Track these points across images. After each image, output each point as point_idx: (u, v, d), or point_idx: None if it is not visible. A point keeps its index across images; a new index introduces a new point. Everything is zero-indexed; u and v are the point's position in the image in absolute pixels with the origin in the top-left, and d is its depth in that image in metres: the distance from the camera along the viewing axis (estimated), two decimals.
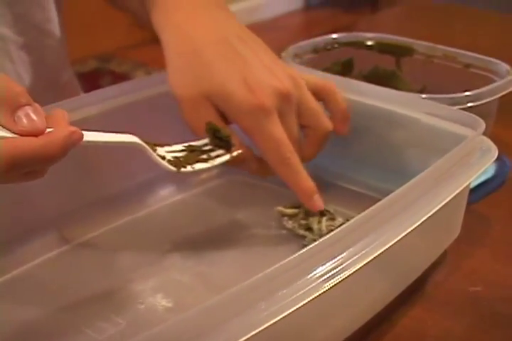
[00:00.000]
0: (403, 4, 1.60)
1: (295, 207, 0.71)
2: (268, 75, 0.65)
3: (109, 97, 0.69)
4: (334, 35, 0.90)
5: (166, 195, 0.76)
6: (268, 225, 0.71)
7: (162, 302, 0.60)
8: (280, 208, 0.71)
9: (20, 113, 0.47)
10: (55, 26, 0.84)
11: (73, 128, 0.48)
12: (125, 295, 0.61)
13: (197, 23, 0.69)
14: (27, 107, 0.47)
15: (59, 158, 0.47)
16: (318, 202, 0.67)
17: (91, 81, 2.70)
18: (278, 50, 0.71)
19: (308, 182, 0.66)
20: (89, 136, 0.52)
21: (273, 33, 3.70)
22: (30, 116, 0.47)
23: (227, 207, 0.74)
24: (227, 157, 0.65)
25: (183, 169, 0.62)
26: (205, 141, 0.66)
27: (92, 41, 2.89)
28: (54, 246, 0.67)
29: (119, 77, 2.92)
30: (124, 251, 0.67)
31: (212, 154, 0.65)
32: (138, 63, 2.94)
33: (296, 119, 0.66)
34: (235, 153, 0.66)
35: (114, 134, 0.56)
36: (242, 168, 0.70)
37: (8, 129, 0.46)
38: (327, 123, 0.68)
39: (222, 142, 0.66)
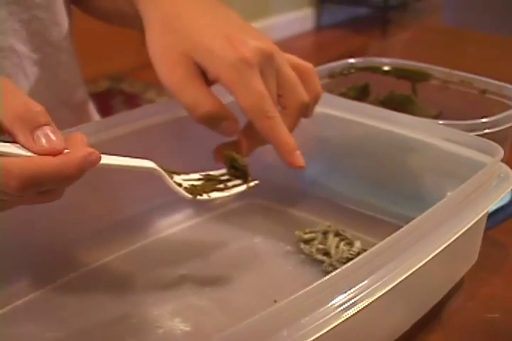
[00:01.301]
0: (413, 26, 1.61)
1: (312, 232, 0.71)
2: (251, 36, 0.64)
3: (124, 122, 0.69)
4: (350, 60, 0.90)
5: (183, 219, 0.76)
6: (286, 250, 0.71)
7: (180, 326, 0.60)
8: (298, 232, 0.71)
9: (39, 132, 0.47)
10: (70, 43, 0.85)
11: (91, 150, 0.48)
12: (143, 319, 0.61)
13: (180, 3, 0.68)
14: (46, 127, 0.47)
15: (75, 178, 0.47)
16: (299, 158, 0.65)
17: (103, 101, 2.71)
18: None
19: (289, 138, 0.64)
20: (106, 159, 0.52)
21: None
22: (49, 136, 0.47)
23: (245, 231, 0.74)
24: (243, 187, 0.66)
25: (199, 197, 0.62)
26: (223, 170, 0.66)
27: (103, 62, 2.90)
28: (70, 269, 0.67)
29: (130, 98, 2.94)
30: (141, 274, 0.68)
31: (229, 184, 0.65)
32: (149, 83, 2.95)
33: (275, 81, 0.64)
34: (251, 184, 0.66)
35: (131, 159, 0.56)
36: (220, 130, 0.65)
37: (26, 148, 0.47)
38: (304, 95, 0.66)
39: (238, 172, 0.66)
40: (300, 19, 4.04)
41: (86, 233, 0.69)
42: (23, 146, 0.47)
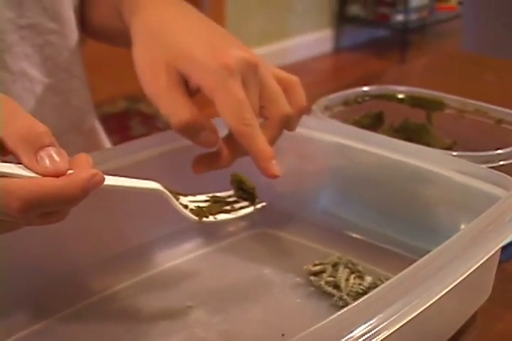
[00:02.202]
0: (432, 50, 1.60)
1: (322, 264, 0.70)
2: (234, 46, 0.64)
3: (134, 150, 0.69)
4: (365, 88, 0.90)
5: (192, 249, 0.75)
6: (295, 281, 0.70)
7: None
8: (306, 267, 0.70)
9: (43, 153, 0.47)
10: (81, 69, 0.85)
11: (95, 171, 0.47)
12: None
13: (165, 12, 0.69)
14: (50, 148, 0.47)
15: (79, 199, 0.47)
16: (276, 167, 0.63)
17: (120, 121, 2.72)
18: (306, 94, 0.70)
19: (266, 146, 0.62)
20: (110, 180, 0.52)
21: (302, 77, 3.71)
22: (53, 157, 0.47)
23: (254, 262, 0.73)
24: (250, 209, 0.65)
25: (204, 219, 0.62)
26: (230, 192, 0.66)
27: (121, 82, 2.91)
28: (75, 299, 0.66)
29: (147, 118, 2.94)
30: (148, 305, 0.67)
31: (236, 206, 0.65)
32: None
33: (258, 91, 0.64)
34: (258, 206, 0.66)
35: (136, 180, 0.55)
36: (199, 141, 0.64)
37: (30, 169, 0.46)
38: (286, 107, 0.65)
39: (246, 194, 0.66)
40: (319, 41, 4.05)
41: (92, 262, 0.69)
42: (27, 167, 0.46)
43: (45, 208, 0.47)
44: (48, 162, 0.47)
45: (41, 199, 0.45)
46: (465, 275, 0.54)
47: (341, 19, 4.16)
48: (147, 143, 0.71)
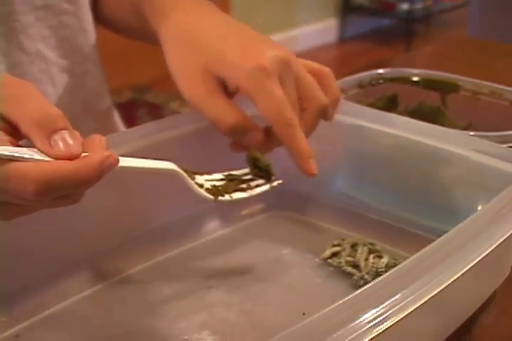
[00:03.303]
0: (438, 38, 1.59)
1: (340, 244, 0.71)
2: (267, 45, 0.64)
3: (149, 133, 0.69)
4: (380, 71, 0.90)
5: (210, 230, 0.75)
6: (314, 262, 0.70)
7: (208, 339, 0.59)
8: (325, 248, 0.70)
9: (57, 137, 0.46)
10: (96, 51, 0.85)
11: (108, 153, 0.47)
12: (170, 332, 0.61)
13: (195, 16, 0.69)
14: (64, 131, 0.47)
15: (93, 181, 0.47)
16: (314, 166, 0.64)
17: (127, 112, 2.73)
18: None
19: (307, 145, 0.63)
20: (125, 162, 0.52)
21: None
22: (67, 140, 0.47)
23: (272, 243, 0.74)
24: (266, 187, 0.66)
25: (220, 198, 0.62)
26: (246, 170, 0.66)
27: (128, 72, 2.91)
28: (97, 281, 0.67)
29: (154, 108, 2.95)
30: (168, 286, 0.67)
31: (252, 184, 0.65)
32: (173, 94, 2.96)
33: (295, 86, 0.64)
34: (274, 183, 0.66)
35: (151, 161, 0.55)
36: (245, 141, 0.65)
37: (43, 153, 0.46)
38: (323, 98, 0.66)
39: (261, 172, 0.66)
40: (324, 30, 4.04)
41: (109, 245, 0.69)
42: (40, 151, 0.46)
43: (60, 191, 0.47)
44: (61, 145, 0.46)
45: (56, 183, 0.45)
46: (484, 255, 0.54)
47: (346, 8, 4.15)
48: (161, 126, 0.71)
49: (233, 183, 0.64)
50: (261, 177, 0.66)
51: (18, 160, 0.45)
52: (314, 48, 3.90)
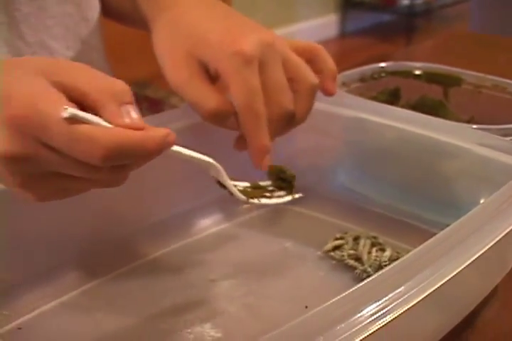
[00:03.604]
0: (439, 34, 1.58)
1: (342, 238, 0.71)
2: (251, 28, 0.64)
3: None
4: (382, 64, 0.90)
5: (212, 224, 0.75)
6: (317, 255, 0.70)
7: (211, 332, 0.59)
8: (328, 241, 0.70)
9: (124, 109, 0.48)
10: (99, 41, 0.85)
11: (169, 130, 0.49)
12: (173, 324, 0.61)
13: (187, 5, 0.69)
14: (130, 105, 0.48)
15: (154, 155, 0.48)
16: (267, 162, 0.63)
17: None
18: None
19: (265, 140, 0.62)
20: (176, 147, 0.53)
21: None
22: (132, 113, 0.48)
23: (275, 237, 0.73)
24: (289, 198, 0.67)
25: (251, 200, 0.64)
26: (269, 182, 0.67)
27: (128, 68, 2.90)
28: (99, 274, 0.67)
29: (154, 103, 2.94)
30: (170, 279, 0.67)
31: (275, 194, 0.67)
32: (173, 90, 2.95)
33: (281, 68, 0.63)
34: (296, 195, 0.67)
35: (194, 152, 0.57)
36: (227, 126, 0.65)
37: (110, 122, 0.47)
38: (312, 76, 0.65)
39: (285, 183, 0.67)
40: (324, 26, 4.04)
41: (114, 237, 0.69)
42: (107, 120, 0.47)
43: (124, 159, 0.47)
44: (128, 117, 0.48)
45: (123, 149, 0.46)
46: (486, 248, 0.53)
47: (346, 4, 4.14)
48: (160, 120, 0.71)
49: (258, 191, 0.66)
50: (283, 189, 0.67)
51: (86, 124, 0.46)
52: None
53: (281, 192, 0.67)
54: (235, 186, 0.63)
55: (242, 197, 0.62)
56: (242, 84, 0.60)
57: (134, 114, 0.48)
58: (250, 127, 0.61)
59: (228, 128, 0.64)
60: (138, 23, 0.77)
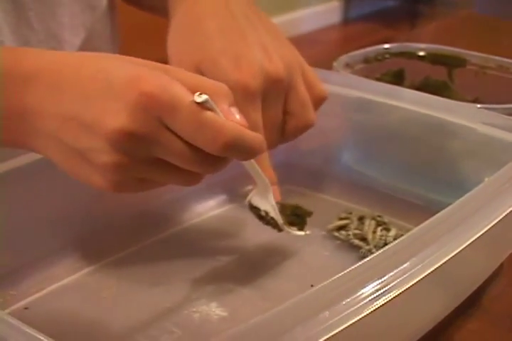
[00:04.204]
0: (443, 18, 1.57)
1: (347, 218, 0.71)
2: (263, 56, 0.62)
3: None
4: (386, 46, 0.89)
5: (216, 205, 0.76)
6: (322, 235, 0.70)
7: (217, 311, 0.60)
8: (332, 221, 0.71)
9: (233, 110, 0.49)
10: (106, 29, 0.85)
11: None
12: (179, 304, 0.61)
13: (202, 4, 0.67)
14: (235, 108, 0.49)
15: (253, 155, 0.50)
16: (275, 193, 0.65)
17: None
18: (317, 64, 0.69)
19: (268, 172, 0.64)
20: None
21: (310, 48, 3.70)
22: (238, 115, 0.49)
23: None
24: (301, 233, 0.67)
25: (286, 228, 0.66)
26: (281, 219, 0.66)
27: (139, 52, 2.90)
28: (105, 255, 0.67)
29: None
30: (177, 259, 0.67)
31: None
32: None
33: (280, 106, 0.64)
34: (307, 232, 0.68)
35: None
36: None
37: None
38: (311, 117, 0.65)
39: (298, 219, 0.67)
40: (327, 12, 4.02)
41: (120, 219, 0.69)
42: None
43: (237, 152, 0.48)
44: (237, 116, 0.49)
45: (241, 141, 0.47)
46: (490, 226, 0.53)
47: None
48: None
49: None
50: (294, 225, 0.67)
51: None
52: (318, 30, 3.88)
53: (293, 228, 0.67)
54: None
55: (280, 220, 0.64)
56: None
57: (238, 116, 0.49)
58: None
59: None
60: (159, 9, 0.76)
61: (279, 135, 0.65)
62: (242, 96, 0.60)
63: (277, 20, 3.52)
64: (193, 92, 0.46)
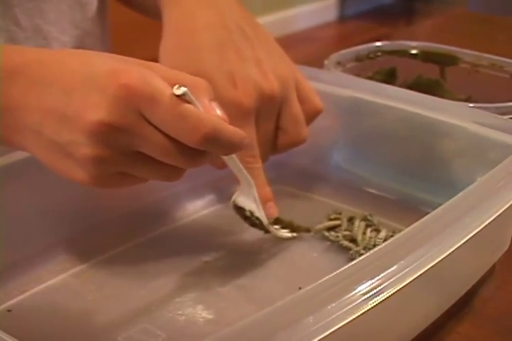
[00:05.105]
0: (439, 15, 1.57)
1: (337, 218, 0.70)
2: (257, 72, 0.63)
3: None
4: (377, 44, 0.89)
5: (205, 205, 0.75)
6: (311, 236, 0.69)
7: (203, 313, 0.59)
8: (322, 222, 0.70)
9: (213, 104, 0.50)
10: (97, 27, 0.84)
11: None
12: (164, 306, 0.60)
13: (200, 3, 0.67)
14: (215, 102, 0.50)
15: (232, 150, 0.51)
16: (273, 209, 0.65)
17: None
18: (311, 62, 0.69)
19: (264, 188, 0.64)
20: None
21: (307, 45, 3.69)
22: (218, 109, 0.50)
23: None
24: (294, 234, 0.68)
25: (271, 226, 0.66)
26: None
27: (130, 51, 2.89)
28: (90, 256, 0.66)
29: None
30: (163, 260, 0.66)
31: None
32: None
33: (273, 123, 0.65)
34: (295, 234, 0.68)
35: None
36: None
37: None
38: (303, 133, 0.66)
39: (285, 227, 0.69)
40: (323, 9, 4.01)
41: (106, 219, 0.68)
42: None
43: (215, 145, 0.48)
44: (218, 111, 0.50)
45: (220, 135, 0.47)
46: (481, 227, 0.53)
47: None
48: None
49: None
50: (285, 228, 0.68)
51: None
52: (314, 27, 3.87)
53: (280, 229, 0.67)
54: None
55: (265, 220, 0.65)
56: None
57: (219, 111, 0.50)
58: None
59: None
60: (149, 10, 0.76)
61: (270, 149, 0.66)
62: (236, 114, 0.60)
63: (273, 17, 3.52)
64: (173, 86, 0.47)
